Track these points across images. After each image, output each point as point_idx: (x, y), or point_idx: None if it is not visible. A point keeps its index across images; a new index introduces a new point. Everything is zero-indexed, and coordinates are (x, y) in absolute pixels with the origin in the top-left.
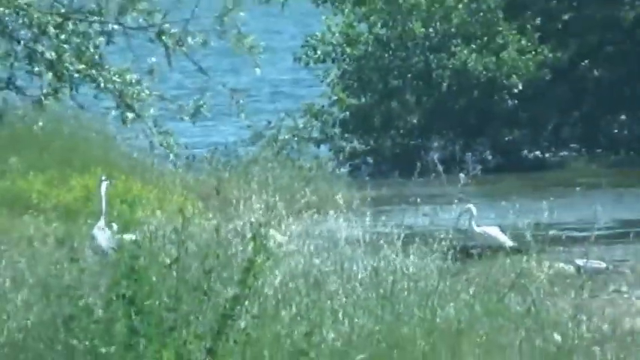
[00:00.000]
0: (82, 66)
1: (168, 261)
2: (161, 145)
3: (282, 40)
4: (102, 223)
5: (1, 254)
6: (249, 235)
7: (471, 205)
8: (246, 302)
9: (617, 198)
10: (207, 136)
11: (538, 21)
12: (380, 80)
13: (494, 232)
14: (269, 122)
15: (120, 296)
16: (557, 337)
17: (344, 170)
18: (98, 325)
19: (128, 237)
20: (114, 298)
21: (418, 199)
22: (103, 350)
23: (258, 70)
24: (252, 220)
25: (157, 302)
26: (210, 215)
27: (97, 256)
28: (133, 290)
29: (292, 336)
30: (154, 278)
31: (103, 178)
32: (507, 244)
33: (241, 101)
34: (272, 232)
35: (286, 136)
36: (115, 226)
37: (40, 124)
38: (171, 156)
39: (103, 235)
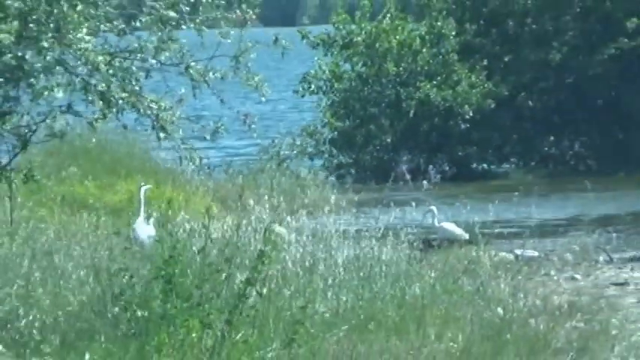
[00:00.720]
0: (125, 94)
1: (196, 250)
2: (186, 158)
3: (286, 76)
4: (141, 219)
5: (63, 243)
6: (258, 229)
7: (433, 207)
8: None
9: (547, 201)
10: (224, 150)
11: (485, 62)
12: (361, 108)
13: (451, 227)
14: (273, 140)
15: (159, 277)
16: (500, 310)
17: (332, 178)
18: (139, 299)
19: (151, 230)
20: (154, 279)
21: (391, 202)
22: (146, 314)
23: (264, 99)
24: (262, 217)
25: (187, 282)
26: (226, 214)
27: (136, 245)
28: (169, 273)
29: (291, 309)
30: (183, 263)
31: (143, 183)
32: (461, 238)
33: (253, 126)
34: (276, 227)
35: (287, 152)
36: (152, 221)
37: (94, 140)
38: (195, 167)
39: (141, 228)
